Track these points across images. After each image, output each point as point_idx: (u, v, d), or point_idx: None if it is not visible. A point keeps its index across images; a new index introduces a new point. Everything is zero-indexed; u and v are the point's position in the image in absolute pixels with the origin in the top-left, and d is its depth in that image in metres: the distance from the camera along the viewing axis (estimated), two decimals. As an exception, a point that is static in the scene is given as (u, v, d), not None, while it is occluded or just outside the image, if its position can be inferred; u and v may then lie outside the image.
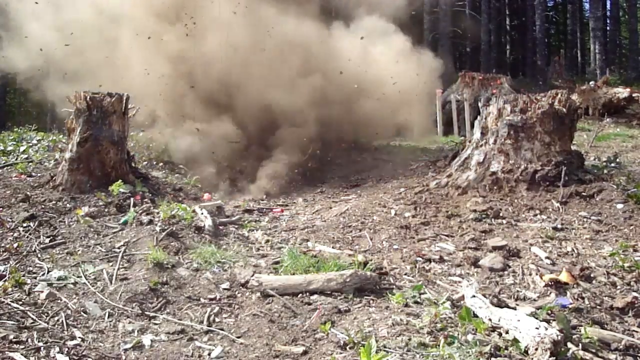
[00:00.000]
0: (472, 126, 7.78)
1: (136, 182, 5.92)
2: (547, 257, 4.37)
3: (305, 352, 2.89)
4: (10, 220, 4.77)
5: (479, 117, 6.47)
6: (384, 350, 2.75)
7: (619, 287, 3.84)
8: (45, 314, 3.28)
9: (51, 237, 4.50)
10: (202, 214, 5.18)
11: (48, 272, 3.85)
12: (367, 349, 2.53)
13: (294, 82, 9.54)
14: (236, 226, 5.45)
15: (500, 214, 5.34)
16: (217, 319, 3.37)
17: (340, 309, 3.38)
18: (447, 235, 5.01)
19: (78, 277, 3.78)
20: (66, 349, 2.89)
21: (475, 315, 3.13)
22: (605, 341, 2.97)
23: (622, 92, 14.97)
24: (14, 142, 8.70)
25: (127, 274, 3.88)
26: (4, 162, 7.09)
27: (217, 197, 6.96)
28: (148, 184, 6.15)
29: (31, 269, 3.91)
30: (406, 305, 3.44)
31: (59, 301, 3.44)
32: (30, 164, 6.91)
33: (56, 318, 3.24)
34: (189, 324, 3.28)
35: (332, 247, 4.73)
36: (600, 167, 6.45)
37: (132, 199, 5.38)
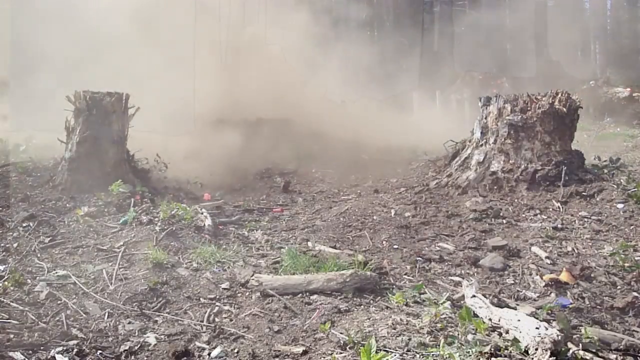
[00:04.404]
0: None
1: (136, 181, 5.92)
2: (547, 257, 4.37)
3: (305, 352, 2.89)
4: (10, 220, 4.77)
5: (478, 117, 6.48)
6: (384, 350, 2.75)
7: (619, 287, 3.84)
8: (45, 314, 3.28)
9: (51, 237, 4.49)
10: (202, 213, 5.17)
11: (48, 271, 3.85)
12: (367, 349, 2.52)
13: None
14: (236, 226, 5.44)
15: (501, 214, 5.34)
16: (217, 319, 3.37)
17: (340, 309, 3.38)
18: (447, 235, 5.01)
19: (78, 277, 3.78)
20: (66, 349, 2.89)
21: (476, 315, 3.13)
22: (605, 341, 2.97)
23: (622, 92, 14.97)
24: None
25: (127, 274, 3.88)
26: (3, 162, 7.08)
27: (218, 196, 6.96)
28: (148, 184, 6.15)
29: (31, 268, 3.90)
30: (406, 305, 3.44)
31: (59, 301, 3.44)
32: (30, 164, 6.90)
33: (56, 318, 3.24)
34: (189, 324, 3.28)
35: (332, 247, 4.73)
36: (600, 167, 6.45)
37: (132, 198, 5.37)
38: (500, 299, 3.54)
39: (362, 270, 3.80)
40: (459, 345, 2.77)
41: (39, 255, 4.16)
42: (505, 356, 2.69)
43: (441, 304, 3.32)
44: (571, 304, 3.50)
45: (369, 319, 3.22)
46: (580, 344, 2.83)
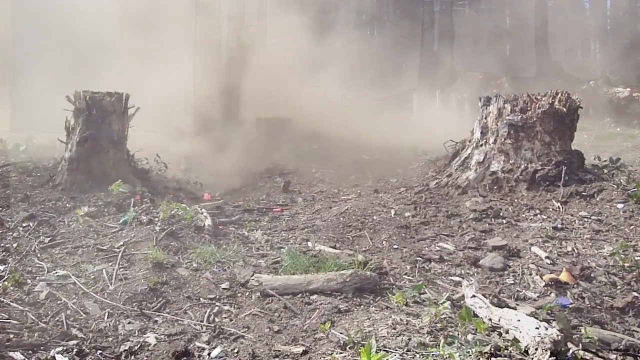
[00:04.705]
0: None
1: (136, 181, 5.92)
2: (547, 257, 4.37)
3: (305, 352, 2.88)
4: (10, 220, 4.77)
5: (478, 117, 6.48)
6: (384, 350, 2.75)
7: (619, 286, 3.84)
8: (45, 314, 3.28)
9: (51, 237, 4.49)
10: (202, 213, 5.17)
11: (48, 272, 3.85)
12: (367, 349, 2.52)
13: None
14: (236, 226, 5.44)
15: (500, 214, 5.34)
16: (217, 319, 3.37)
17: (340, 309, 3.37)
18: (447, 235, 5.00)
19: (78, 277, 3.78)
20: (66, 349, 2.89)
21: (476, 315, 3.13)
22: (605, 341, 2.97)
23: (622, 92, 14.97)
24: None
25: (127, 274, 3.88)
26: (3, 162, 7.08)
27: (218, 196, 6.96)
28: (148, 184, 6.15)
29: (31, 268, 3.90)
30: (406, 305, 3.44)
31: (59, 301, 3.44)
32: (30, 163, 6.90)
33: (56, 318, 3.24)
34: (189, 324, 3.28)
35: (332, 247, 4.73)
36: (600, 167, 6.45)
37: (131, 198, 5.37)
38: (500, 299, 3.54)
39: (362, 270, 3.80)
40: (459, 345, 2.77)
41: (39, 255, 4.16)
42: (505, 356, 2.69)
43: (441, 304, 3.32)
44: (571, 304, 3.49)
45: (369, 319, 3.22)
46: (580, 344, 2.83)
